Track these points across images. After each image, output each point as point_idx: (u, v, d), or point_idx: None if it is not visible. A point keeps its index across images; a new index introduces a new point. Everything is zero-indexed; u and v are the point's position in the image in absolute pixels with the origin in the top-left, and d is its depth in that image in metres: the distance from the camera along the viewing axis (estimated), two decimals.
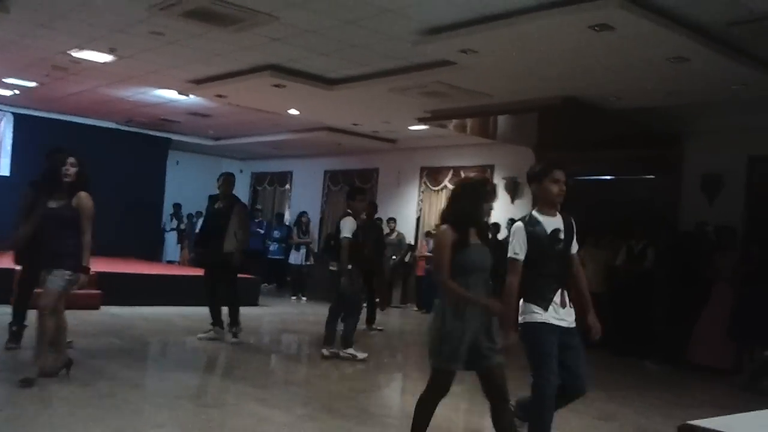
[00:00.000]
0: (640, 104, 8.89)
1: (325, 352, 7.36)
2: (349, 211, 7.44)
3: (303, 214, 14.00)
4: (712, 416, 2.34)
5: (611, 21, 5.93)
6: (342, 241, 7.22)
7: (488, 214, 3.93)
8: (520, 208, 12.31)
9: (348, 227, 7.24)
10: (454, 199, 3.92)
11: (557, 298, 4.00)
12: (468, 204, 3.81)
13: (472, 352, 3.74)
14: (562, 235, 4.09)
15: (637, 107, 9.02)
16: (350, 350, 7.38)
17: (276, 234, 14.97)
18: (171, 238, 16.32)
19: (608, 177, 11.59)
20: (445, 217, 3.87)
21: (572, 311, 4.06)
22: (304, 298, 13.00)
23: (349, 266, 7.18)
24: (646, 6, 5.76)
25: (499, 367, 3.77)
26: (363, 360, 7.29)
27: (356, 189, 7.86)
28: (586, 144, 10.86)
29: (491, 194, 3.89)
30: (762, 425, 2.37)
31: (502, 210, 12.56)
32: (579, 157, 11.26)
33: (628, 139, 10.16)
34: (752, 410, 2.61)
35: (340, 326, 7.44)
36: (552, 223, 4.10)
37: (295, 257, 13.51)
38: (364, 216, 7.92)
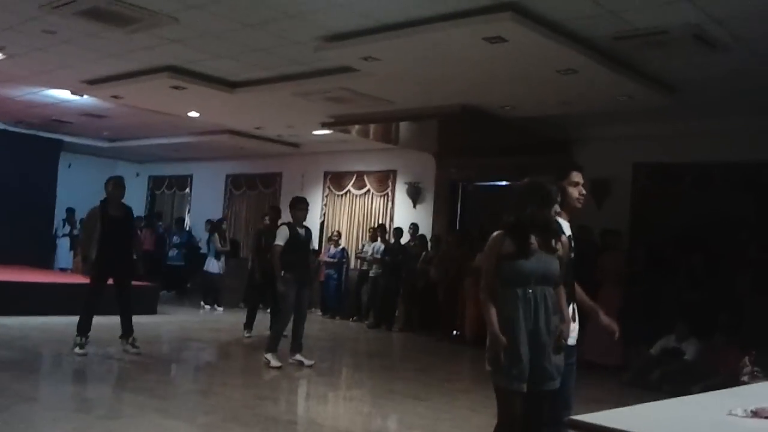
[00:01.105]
0: (534, 113, 9.27)
1: (271, 360, 7.40)
2: (290, 220, 7.72)
3: (222, 221, 13.60)
4: (600, 411, 2.50)
5: (504, 34, 6.18)
6: (274, 248, 7.45)
7: (553, 219, 3.51)
8: (422, 212, 12.56)
9: (282, 235, 7.51)
10: (518, 202, 3.54)
11: (569, 312, 3.67)
12: (533, 208, 3.43)
13: (534, 371, 3.38)
14: (572, 243, 3.79)
15: (530, 116, 9.41)
16: (269, 355, 7.39)
17: (176, 240, 14.63)
18: (64, 244, 15.65)
19: (504, 183, 11.99)
20: (506, 222, 3.53)
21: (577, 328, 3.80)
22: (221, 309, 12.62)
23: (282, 272, 7.36)
24: (537, 20, 6.04)
25: (552, 394, 3.47)
26: (277, 368, 7.30)
27: (297, 199, 7.97)
28: (483, 151, 11.24)
29: (556, 196, 3.51)
30: (640, 417, 2.56)
31: (403, 215, 12.79)
32: (477, 164, 11.65)
33: (522, 146, 10.56)
34: (636, 404, 2.80)
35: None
36: (567, 228, 3.78)
37: (214, 266, 12.79)
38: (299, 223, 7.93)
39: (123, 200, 7.67)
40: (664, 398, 3.00)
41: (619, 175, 10.00)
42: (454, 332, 10.77)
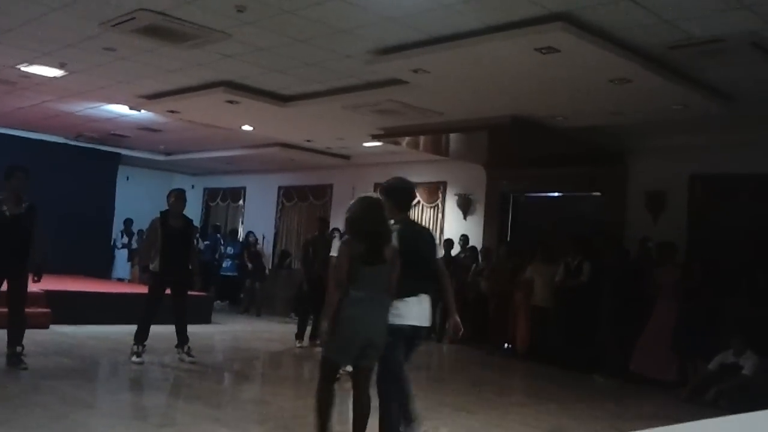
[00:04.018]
0: (586, 123, 9.15)
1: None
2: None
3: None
4: (655, 426, 2.45)
5: (556, 44, 6.13)
6: (329, 260, 7.44)
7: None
8: (472, 224, 12.50)
9: (336, 246, 7.45)
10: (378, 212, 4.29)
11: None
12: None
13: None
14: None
15: (582, 126, 9.28)
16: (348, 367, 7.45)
17: (230, 251, 14.87)
18: (121, 255, 16.02)
19: (556, 194, 11.86)
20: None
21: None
22: None
23: None
24: (589, 30, 5.98)
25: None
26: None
27: None
28: (535, 162, 11.14)
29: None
30: None
31: (454, 226, 12.75)
32: (528, 175, 11.55)
33: (574, 157, 10.44)
34: (692, 421, 2.74)
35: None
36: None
37: None
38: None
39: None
40: (722, 415, 2.93)
41: (674, 187, 9.79)
42: (506, 345, 10.67)
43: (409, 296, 4.42)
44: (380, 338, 4.23)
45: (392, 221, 4.42)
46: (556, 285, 9.66)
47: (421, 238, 4.70)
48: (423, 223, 13.37)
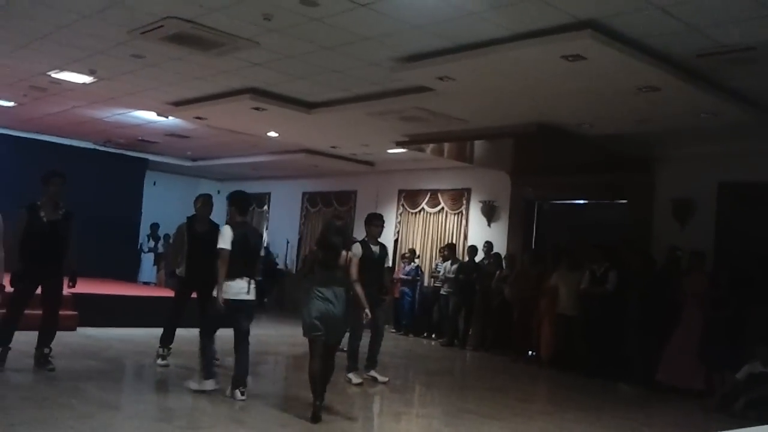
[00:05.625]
0: (612, 131, 9.09)
1: (352, 378, 7.48)
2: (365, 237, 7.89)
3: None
4: None
5: (583, 52, 6.11)
6: None
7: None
8: (497, 231, 12.46)
9: (355, 252, 7.43)
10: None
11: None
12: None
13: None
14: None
15: (609, 134, 9.23)
16: (351, 374, 7.48)
17: None
18: (148, 259, 16.19)
19: (582, 201, 11.79)
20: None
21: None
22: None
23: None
24: (617, 37, 5.96)
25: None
26: (358, 385, 7.39)
27: (373, 215, 8.01)
28: (560, 169, 11.08)
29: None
30: None
31: (478, 233, 12.72)
32: (553, 182, 11.49)
33: (601, 165, 10.37)
34: (720, 431, 2.71)
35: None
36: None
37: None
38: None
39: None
40: (751, 425, 2.90)
41: (703, 195, 9.68)
42: (529, 352, 10.62)
43: (236, 278, 6.03)
44: (335, 320, 5.66)
45: (232, 223, 6.27)
46: (580, 293, 9.61)
47: (249, 236, 6.25)
48: (447, 230, 13.40)
